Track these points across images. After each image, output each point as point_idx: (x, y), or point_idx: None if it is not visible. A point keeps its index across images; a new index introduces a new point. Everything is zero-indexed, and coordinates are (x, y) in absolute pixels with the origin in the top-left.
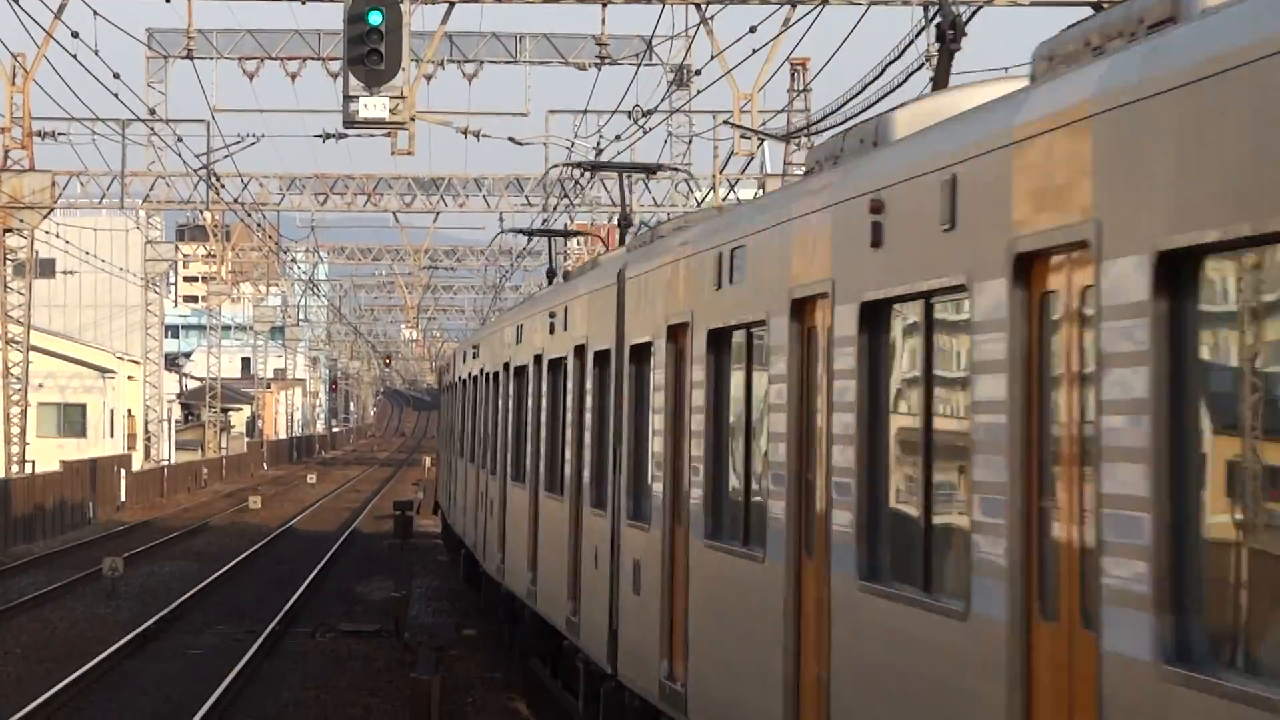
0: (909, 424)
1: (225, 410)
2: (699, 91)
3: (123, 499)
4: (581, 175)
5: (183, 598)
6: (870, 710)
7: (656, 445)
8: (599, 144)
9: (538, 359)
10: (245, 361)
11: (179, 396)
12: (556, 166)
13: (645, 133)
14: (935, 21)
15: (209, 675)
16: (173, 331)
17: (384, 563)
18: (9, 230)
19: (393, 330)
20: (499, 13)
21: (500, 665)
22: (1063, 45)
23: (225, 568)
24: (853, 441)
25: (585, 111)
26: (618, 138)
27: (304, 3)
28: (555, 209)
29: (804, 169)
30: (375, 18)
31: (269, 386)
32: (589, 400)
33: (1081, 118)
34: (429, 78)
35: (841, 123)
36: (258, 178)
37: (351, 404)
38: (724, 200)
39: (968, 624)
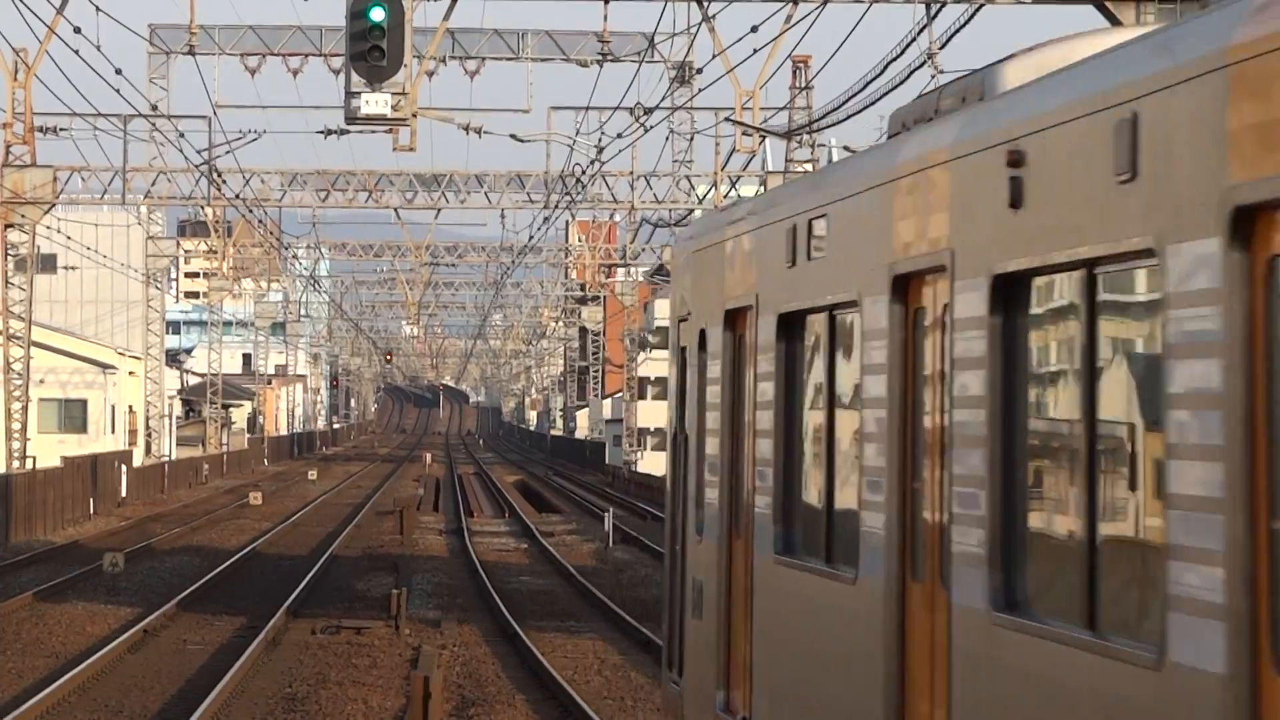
0: None
1: (226, 406)
2: (701, 89)
3: (123, 495)
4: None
5: (183, 593)
6: None
7: None
8: (600, 141)
9: None
10: (246, 357)
11: (180, 392)
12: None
13: (646, 130)
14: None
15: (209, 670)
16: (174, 327)
17: (384, 560)
18: (11, 225)
19: (394, 326)
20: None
21: (500, 659)
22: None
23: (226, 563)
24: None
25: (588, 108)
26: (619, 135)
27: None
28: (558, 205)
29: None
30: (377, 14)
31: (270, 382)
32: None
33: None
34: (431, 74)
35: (843, 120)
36: (259, 173)
37: (352, 400)
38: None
39: None
